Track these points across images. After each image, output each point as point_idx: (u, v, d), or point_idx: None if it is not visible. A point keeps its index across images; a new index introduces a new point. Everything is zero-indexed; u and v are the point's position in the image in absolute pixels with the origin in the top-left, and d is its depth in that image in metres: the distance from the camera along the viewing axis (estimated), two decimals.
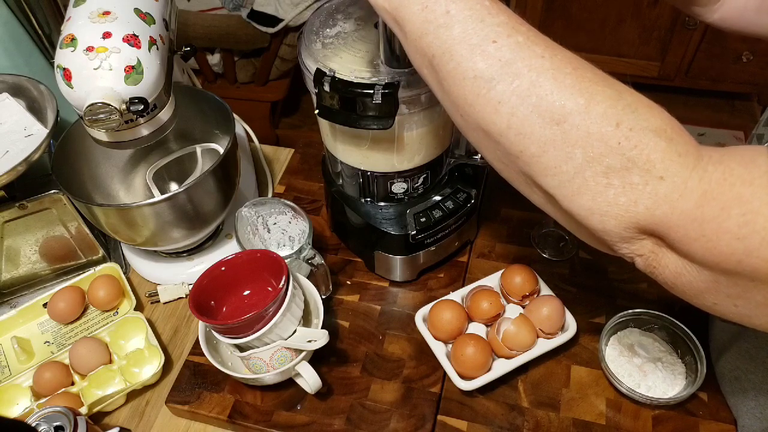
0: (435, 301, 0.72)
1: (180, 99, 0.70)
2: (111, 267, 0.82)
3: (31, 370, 0.72)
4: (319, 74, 0.58)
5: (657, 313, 0.69)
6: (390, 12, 0.44)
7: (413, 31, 0.43)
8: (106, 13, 0.59)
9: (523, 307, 0.72)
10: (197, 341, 0.71)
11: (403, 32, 0.45)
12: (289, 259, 0.68)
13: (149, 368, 0.74)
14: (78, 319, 0.79)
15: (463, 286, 0.77)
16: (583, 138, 0.39)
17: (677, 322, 0.68)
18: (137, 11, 0.62)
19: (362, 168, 0.70)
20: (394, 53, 0.58)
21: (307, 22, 0.66)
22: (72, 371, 0.72)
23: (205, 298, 0.66)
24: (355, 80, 0.58)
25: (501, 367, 0.67)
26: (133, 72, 0.59)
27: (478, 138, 0.45)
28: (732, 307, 0.40)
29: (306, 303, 0.70)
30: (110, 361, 0.73)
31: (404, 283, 0.80)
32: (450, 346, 0.70)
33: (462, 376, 0.67)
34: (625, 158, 0.38)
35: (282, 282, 0.62)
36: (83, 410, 0.66)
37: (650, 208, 0.38)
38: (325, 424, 0.67)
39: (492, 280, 0.76)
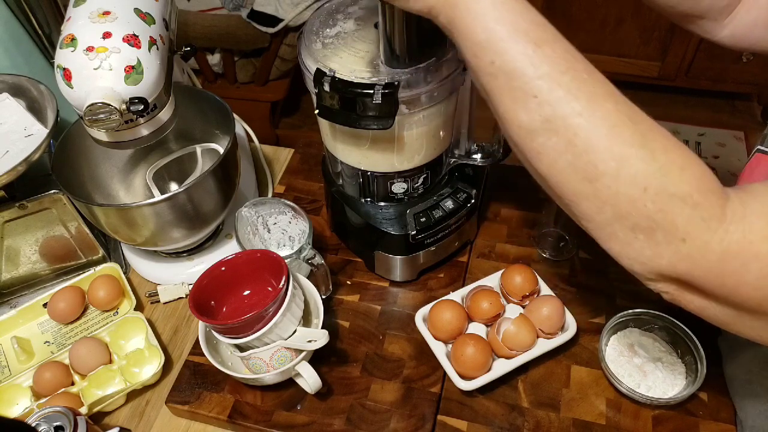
0: (435, 301, 0.72)
1: (180, 99, 0.70)
2: (111, 267, 0.82)
3: (31, 370, 0.72)
4: (319, 74, 0.58)
5: (657, 313, 0.69)
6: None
7: (470, 69, 0.46)
8: (106, 13, 0.59)
9: (523, 307, 0.72)
10: (197, 341, 0.71)
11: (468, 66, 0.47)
12: (289, 259, 0.68)
13: (149, 368, 0.74)
14: (78, 319, 0.79)
15: (463, 286, 0.77)
16: (613, 197, 0.41)
17: (677, 322, 0.68)
18: (137, 11, 0.62)
19: (362, 168, 0.70)
20: (394, 53, 0.58)
21: (307, 22, 0.66)
22: (72, 371, 0.72)
23: (205, 298, 0.66)
24: (355, 80, 0.58)
25: (501, 367, 0.67)
26: (133, 72, 0.59)
27: (529, 168, 0.47)
28: (757, 336, 0.43)
29: (306, 303, 0.70)
30: (110, 361, 0.73)
31: (404, 283, 0.80)
32: (450, 346, 0.70)
33: (462, 376, 0.67)
34: (651, 220, 0.40)
35: (282, 282, 0.62)
36: (83, 410, 0.66)
37: (673, 263, 0.41)
38: (325, 424, 0.67)
39: (492, 280, 0.76)
